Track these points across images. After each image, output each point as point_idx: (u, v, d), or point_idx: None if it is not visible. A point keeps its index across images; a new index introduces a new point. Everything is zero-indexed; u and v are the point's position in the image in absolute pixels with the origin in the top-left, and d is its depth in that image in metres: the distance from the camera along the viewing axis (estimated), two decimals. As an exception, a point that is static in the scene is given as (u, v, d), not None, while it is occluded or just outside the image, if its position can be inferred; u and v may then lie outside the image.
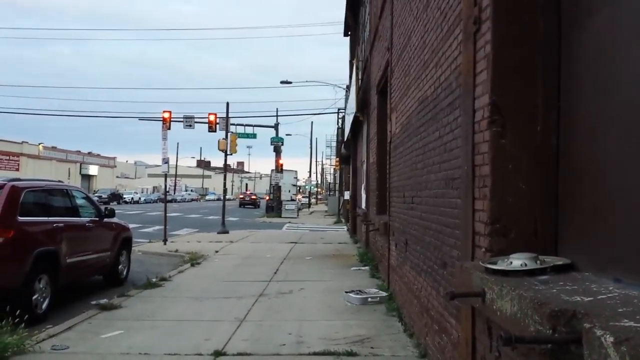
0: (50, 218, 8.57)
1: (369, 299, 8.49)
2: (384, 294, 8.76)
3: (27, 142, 64.35)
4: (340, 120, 38.15)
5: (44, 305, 7.94)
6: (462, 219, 3.90)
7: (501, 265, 2.88)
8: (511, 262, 2.87)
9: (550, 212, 3.18)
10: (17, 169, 59.04)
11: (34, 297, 7.67)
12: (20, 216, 7.75)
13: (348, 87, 25.14)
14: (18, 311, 6.68)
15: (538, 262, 2.84)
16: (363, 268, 12.39)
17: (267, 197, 50.06)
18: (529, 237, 3.21)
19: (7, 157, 59.86)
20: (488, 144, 3.28)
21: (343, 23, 24.96)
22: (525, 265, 2.81)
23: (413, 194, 6.48)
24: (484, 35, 3.42)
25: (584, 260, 2.84)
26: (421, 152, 5.91)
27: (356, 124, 18.46)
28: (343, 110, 31.64)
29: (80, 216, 9.68)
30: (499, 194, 3.22)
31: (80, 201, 10.06)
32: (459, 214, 4.06)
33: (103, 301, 8.39)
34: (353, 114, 17.27)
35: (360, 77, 16.37)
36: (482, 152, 3.41)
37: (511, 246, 3.17)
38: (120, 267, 11.05)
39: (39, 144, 66.90)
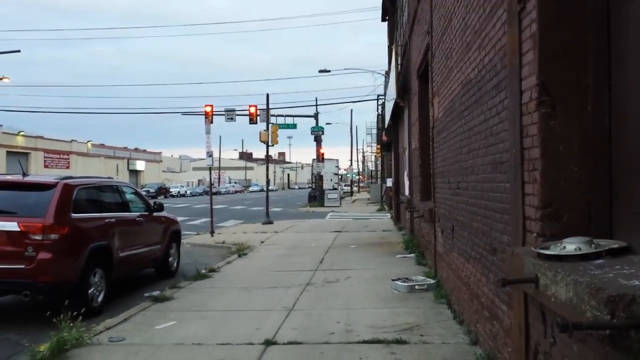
0: (102, 214, 8.83)
1: (416, 287, 8.45)
2: (431, 281, 8.70)
3: (76, 141, 66.28)
4: (380, 107, 37.86)
5: (100, 299, 8.21)
6: (512, 203, 3.83)
7: (554, 250, 2.82)
8: (564, 247, 2.80)
9: (604, 194, 3.08)
10: (68, 167, 60.99)
11: (90, 291, 7.93)
12: (74, 213, 7.99)
13: (387, 73, 24.87)
14: (76, 305, 6.94)
15: (593, 246, 2.76)
16: (408, 255, 12.33)
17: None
18: (583, 221, 3.12)
19: (58, 156, 61.86)
20: (537, 126, 3.20)
21: (380, 8, 24.70)
22: (580, 249, 2.74)
23: (459, 179, 6.39)
24: (529, 14, 3.33)
25: (642, 242, 2.75)
26: (466, 137, 5.82)
27: (396, 110, 18.27)
28: (383, 97, 31.31)
29: (130, 211, 9.93)
30: (550, 177, 3.15)
31: (129, 196, 10.32)
32: (508, 198, 3.99)
33: (155, 293, 8.61)
34: (393, 100, 17.10)
35: (399, 62, 16.17)
36: (530, 134, 3.33)
37: (564, 230, 3.10)
38: (170, 259, 11.31)
39: (88, 141, 68.83)
